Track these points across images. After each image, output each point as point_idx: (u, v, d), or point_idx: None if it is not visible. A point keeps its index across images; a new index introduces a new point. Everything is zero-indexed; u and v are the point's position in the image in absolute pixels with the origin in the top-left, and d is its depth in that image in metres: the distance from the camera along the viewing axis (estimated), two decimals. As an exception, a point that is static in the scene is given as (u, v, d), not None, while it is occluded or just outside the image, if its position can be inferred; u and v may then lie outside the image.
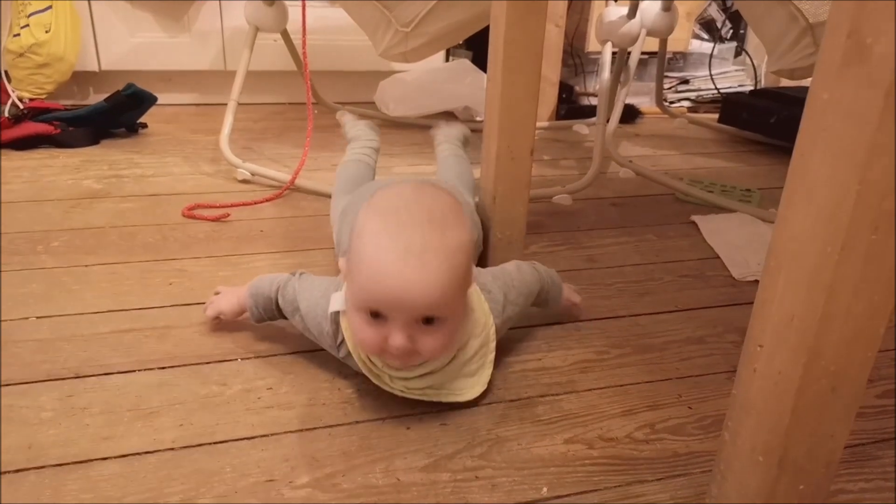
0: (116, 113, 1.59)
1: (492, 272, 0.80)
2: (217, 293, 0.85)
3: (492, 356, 0.73)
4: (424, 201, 0.65)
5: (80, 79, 1.85)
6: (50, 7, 1.68)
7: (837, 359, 0.46)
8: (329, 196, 1.29)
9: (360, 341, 0.67)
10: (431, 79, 1.89)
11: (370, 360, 0.70)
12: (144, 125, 1.69)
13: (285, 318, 0.79)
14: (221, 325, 0.85)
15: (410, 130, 1.81)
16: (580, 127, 1.90)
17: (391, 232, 0.62)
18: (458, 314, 0.67)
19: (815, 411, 0.48)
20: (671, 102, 2.15)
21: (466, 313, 0.69)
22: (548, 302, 0.86)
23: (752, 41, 2.25)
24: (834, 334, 0.45)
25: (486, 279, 0.77)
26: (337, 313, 0.71)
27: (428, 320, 0.63)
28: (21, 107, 1.56)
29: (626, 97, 1.71)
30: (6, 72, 1.68)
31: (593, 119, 1.80)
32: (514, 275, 0.80)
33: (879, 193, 0.41)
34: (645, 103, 2.09)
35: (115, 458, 0.64)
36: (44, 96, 1.72)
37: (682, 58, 2.21)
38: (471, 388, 0.72)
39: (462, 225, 0.65)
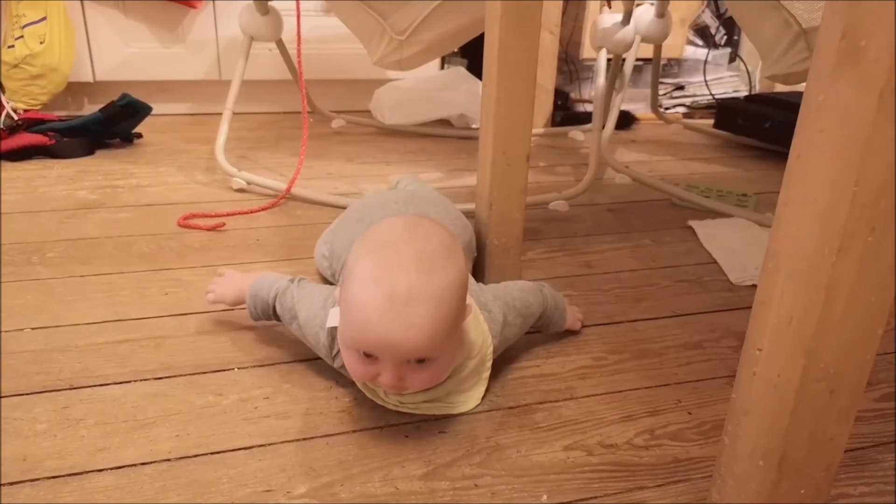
0: (111, 123, 1.58)
1: (493, 291, 0.79)
2: (220, 275, 0.86)
3: (487, 373, 0.74)
4: (415, 241, 0.64)
5: (75, 89, 1.85)
6: (44, 18, 1.68)
7: (836, 361, 0.46)
8: (325, 205, 1.29)
9: (353, 373, 0.67)
10: (427, 86, 1.89)
11: None
12: (139, 135, 1.68)
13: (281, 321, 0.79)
14: (218, 331, 0.85)
15: (406, 138, 1.81)
16: (576, 133, 1.91)
17: (378, 276, 0.61)
18: (450, 350, 0.66)
19: (814, 414, 0.48)
20: (666, 108, 2.16)
21: (460, 341, 0.69)
22: (549, 326, 0.86)
23: (747, 47, 2.26)
24: (832, 336, 0.45)
25: (487, 297, 0.76)
26: (334, 327, 0.71)
27: (419, 360, 0.64)
28: (16, 118, 1.56)
29: (621, 103, 1.72)
30: (0, 83, 1.68)
31: (589, 125, 1.81)
32: (515, 294, 0.80)
33: (875, 194, 0.41)
34: (640, 109, 2.09)
35: (111, 469, 0.63)
36: (38, 107, 1.72)
37: (676, 64, 2.22)
38: (464, 403, 0.73)
39: (454, 261, 0.64)
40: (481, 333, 0.72)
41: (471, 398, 0.73)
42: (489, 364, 0.74)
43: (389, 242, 0.63)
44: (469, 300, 0.69)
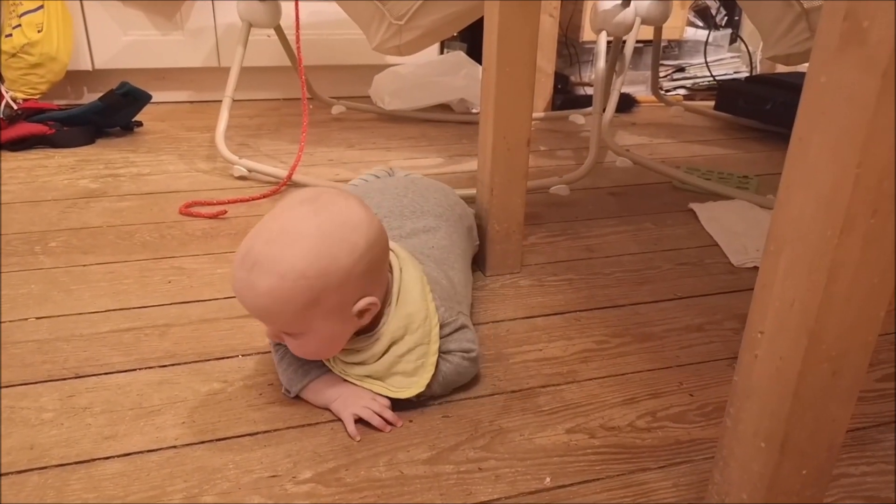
0: (111, 112, 1.58)
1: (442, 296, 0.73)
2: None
3: (433, 358, 0.69)
4: (294, 215, 0.64)
5: (74, 78, 1.84)
6: (41, 6, 1.67)
7: (838, 343, 0.46)
8: (326, 191, 1.29)
9: None
10: (426, 72, 1.88)
11: None
12: (139, 123, 1.68)
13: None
14: (221, 319, 0.85)
15: (406, 124, 1.80)
16: (576, 117, 1.90)
17: (250, 234, 0.64)
18: (316, 333, 0.65)
19: (816, 396, 0.48)
20: (667, 91, 2.15)
21: (339, 332, 0.66)
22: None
23: (747, 28, 2.24)
24: (834, 318, 0.45)
25: (458, 311, 0.74)
26: None
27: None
28: (15, 107, 1.55)
29: (621, 86, 1.71)
30: (-1, 72, 1.67)
31: (589, 109, 1.80)
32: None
33: (878, 176, 0.41)
34: (641, 92, 2.08)
35: (118, 457, 0.64)
36: (38, 96, 1.71)
37: (677, 46, 2.20)
38: (407, 388, 0.69)
39: (329, 250, 0.62)
40: (425, 308, 0.70)
41: (413, 385, 0.69)
42: (435, 348, 0.69)
43: (278, 210, 0.66)
44: (371, 299, 0.65)
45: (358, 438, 0.66)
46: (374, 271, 0.67)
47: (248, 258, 0.62)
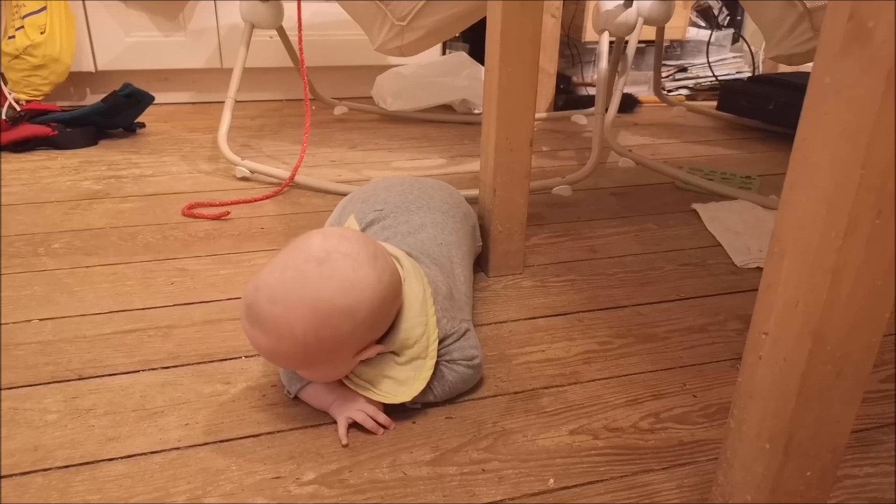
0: (114, 113, 1.58)
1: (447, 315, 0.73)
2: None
3: (427, 373, 0.69)
4: (301, 275, 0.63)
5: (77, 80, 1.84)
6: (44, 8, 1.67)
7: (842, 344, 0.46)
8: (329, 192, 1.29)
9: None
10: (429, 72, 1.88)
11: None
12: (142, 125, 1.68)
13: None
14: (224, 320, 0.85)
15: (409, 124, 1.80)
16: (578, 117, 1.90)
17: (254, 283, 0.64)
18: (323, 371, 0.68)
19: (820, 397, 0.48)
20: (669, 91, 2.14)
21: (344, 369, 0.68)
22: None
23: (750, 27, 2.24)
24: (838, 319, 0.45)
25: (463, 319, 0.75)
26: None
27: None
28: (18, 109, 1.55)
29: (623, 86, 1.71)
30: (2, 74, 1.67)
31: (592, 109, 1.80)
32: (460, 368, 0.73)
33: (882, 177, 0.41)
34: (643, 92, 2.08)
35: (122, 458, 0.64)
36: (40, 98, 1.72)
37: (679, 46, 2.20)
38: (394, 395, 0.69)
39: (324, 321, 0.62)
40: (423, 323, 0.69)
41: (402, 394, 0.68)
42: (431, 364, 0.69)
43: (288, 258, 0.64)
44: (375, 349, 0.67)
45: (344, 442, 0.66)
46: (378, 325, 0.67)
47: (251, 312, 0.63)
